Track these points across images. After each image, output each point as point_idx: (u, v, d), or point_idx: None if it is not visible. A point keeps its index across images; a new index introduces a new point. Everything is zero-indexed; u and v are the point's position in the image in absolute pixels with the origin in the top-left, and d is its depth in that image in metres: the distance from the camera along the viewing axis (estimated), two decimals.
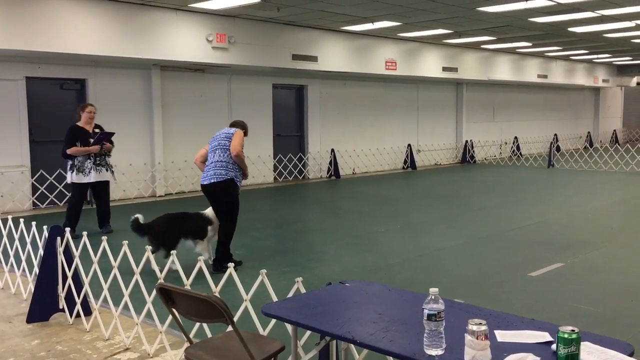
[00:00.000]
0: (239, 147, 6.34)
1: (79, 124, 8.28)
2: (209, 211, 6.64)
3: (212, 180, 6.36)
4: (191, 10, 11.41)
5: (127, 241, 4.49)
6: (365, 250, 7.53)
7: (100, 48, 10.36)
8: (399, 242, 7.99)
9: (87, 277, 4.83)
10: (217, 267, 6.32)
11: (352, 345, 3.26)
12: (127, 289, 4.45)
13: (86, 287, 4.84)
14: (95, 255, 4.69)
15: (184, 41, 11.47)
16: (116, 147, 11.96)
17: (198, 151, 6.74)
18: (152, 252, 4.43)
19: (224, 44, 12.04)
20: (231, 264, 4.01)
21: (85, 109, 8.35)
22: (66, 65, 11.16)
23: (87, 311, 4.87)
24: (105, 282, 4.61)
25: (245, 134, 6.64)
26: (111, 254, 4.57)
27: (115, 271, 4.52)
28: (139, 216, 6.49)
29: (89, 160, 8.25)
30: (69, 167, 8.28)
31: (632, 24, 13.55)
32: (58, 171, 11.11)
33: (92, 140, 8.23)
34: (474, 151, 20.19)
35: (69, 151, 8.15)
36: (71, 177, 8.27)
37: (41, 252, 5.05)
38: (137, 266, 4.37)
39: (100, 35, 10.33)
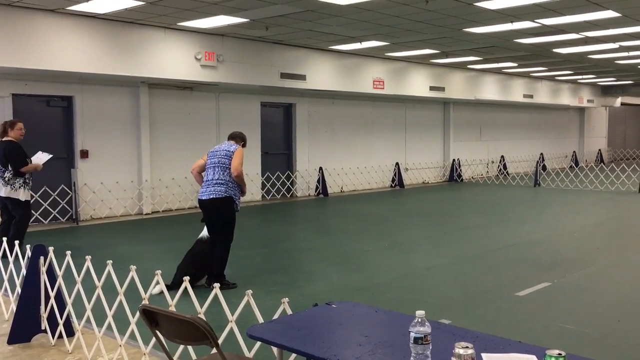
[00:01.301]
0: (240, 168, 6.36)
1: (14, 140, 8.05)
2: (205, 232, 6.61)
3: (212, 196, 6.36)
4: (180, 29, 11.45)
5: (111, 260, 4.44)
6: (353, 269, 7.50)
7: (87, 65, 10.33)
8: (386, 261, 7.97)
9: (70, 297, 4.75)
10: (219, 281, 6.21)
11: None
12: (110, 309, 4.38)
13: (69, 307, 4.76)
14: (79, 274, 4.62)
15: (172, 59, 11.48)
16: (104, 164, 12.00)
17: (196, 161, 6.78)
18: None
19: (213, 62, 12.07)
20: (217, 284, 3.97)
21: (14, 125, 8.08)
22: (53, 82, 11.11)
23: (70, 332, 4.79)
24: (89, 302, 4.54)
25: (244, 145, 6.68)
26: (95, 273, 4.51)
27: (98, 291, 4.45)
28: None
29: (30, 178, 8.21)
30: (19, 184, 7.94)
31: (615, 45, 13.78)
32: (44, 188, 11.01)
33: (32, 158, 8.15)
34: (461, 170, 20.31)
35: (24, 169, 7.96)
36: (25, 194, 8.02)
37: (24, 271, 4.97)
38: (121, 286, 4.31)
39: (88, 53, 10.31)
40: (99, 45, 10.45)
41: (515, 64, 17.57)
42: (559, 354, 2.05)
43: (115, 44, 10.64)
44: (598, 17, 10.49)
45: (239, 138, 6.71)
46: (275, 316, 3.50)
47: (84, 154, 11.64)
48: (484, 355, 2.38)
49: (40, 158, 8.33)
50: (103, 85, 11.82)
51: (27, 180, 8.06)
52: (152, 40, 11.17)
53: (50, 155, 8.41)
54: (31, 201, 8.40)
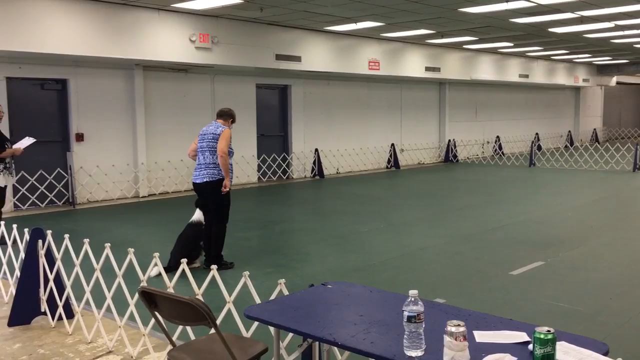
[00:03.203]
0: (225, 149, 6.40)
1: None
2: (196, 216, 6.67)
3: (205, 179, 6.46)
4: (174, 10, 11.36)
5: (109, 243, 4.48)
6: (349, 250, 7.57)
7: (81, 48, 10.27)
8: (382, 241, 8.04)
9: (69, 279, 4.81)
10: (217, 262, 6.29)
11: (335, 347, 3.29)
12: (109, 291, 4.44)
13: (68, 289, 4.81)
14: (77, 257, 4.67)
15: (166, 41, 11.41)
16: (99, 147, 11.99)
17: (190, 146, 6.83)
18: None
19: (207, 44, 12.00)
20: (214, 266, 4.02)
21: None
22: (47, 65, 11.05)
23: (70, 314, 4.85)
24: (88, 284, 4.60)
25: (234, 121, 6.72)
26: (93, 256, 4.55)
27: (97, 274, 4.50)
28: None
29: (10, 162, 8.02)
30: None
31: (611, 24, 13.75)
32: (39, 172, 11.01)
33: (9, 143, 7.97)
34: (456, 150, 20.34)
35: (1, 154, 7.72)
36: (2, 179, 7.83)
37: (22, 254, 5.01)
38: (120, 268, 4.36)
39: (81, 35, 10.25)
40: (93, 28, 10.38)
41: (511, 44, 17.52)
42: (548, 331, 2.11)
43: (109, 26, 10.57)
44: None
45: (227, 116, 6.68)
46: (272, 297, 3.56)
47: (80, 137, 11.63)
48: (475, 332, 2.45)
49: (22, 142, 8.17)
50: (97, 68, 11.76)
51: (7, 165, 7.86)
52: (146, 22, 11.10)
53: (34, 140, 8.23)
54: (7, 187, 8.06)
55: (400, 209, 10.82)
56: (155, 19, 11.21)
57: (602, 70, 26.41)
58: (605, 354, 2.26)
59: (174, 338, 3.74)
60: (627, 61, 24.38)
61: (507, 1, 10.75)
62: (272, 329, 2.95)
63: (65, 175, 11.41)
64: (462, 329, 2.14)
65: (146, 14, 11.06)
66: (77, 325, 4.70)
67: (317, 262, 6.99)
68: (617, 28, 14.37)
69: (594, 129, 28.76)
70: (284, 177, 15.54)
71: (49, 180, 11.16)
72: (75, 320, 4.74)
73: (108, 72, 11.97)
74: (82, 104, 11.68)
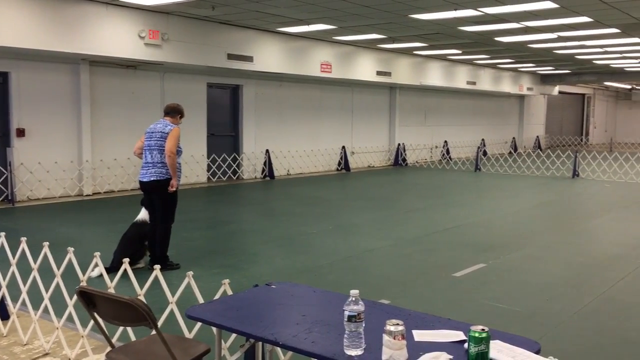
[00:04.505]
0: (173, 149, 6.32)
1: None
2: (141, 215, 6.56)
3: (152, 178, 6.35)
4: (123, 5, 11.12)
5: (47, 242, 4.35)
6: (297, 251, 7.58)
7: (24, 40, 9.91)
8: (330, 243, 8.09)
9: (4, 279, 4.63)
10: (162, 263, 6.22)
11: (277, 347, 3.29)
12: (47, 292, 4.30)
13: (3, 289, 4.64)
14: (14, 256, 4.51)
15: (114, 36, 11.15)
16: (42, 143, 11.60)
17: (136, 143, 6.69)
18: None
19: (157, 41, 11.80)
20: (157, 266, 3.96)
21: None
22: None
23: (5, 315, 4.68)
24: (24, 284, 4.44)
25: (182, 116, 6.63)
26: (31, 256, 4.40)
27: (35, 273, 4.36)
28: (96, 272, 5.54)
29: None
30: None
31: (554, 35, 14.27)
32: None
33: None
34: (405, 154, 20.67)
35: None
36: None
37: None
38: (59, 268, 4.23)
39: (24, 27, 9.89)
40: (36, 20, 10.03)
41: (459, 51, 17.95)
42: (482, 330, 2.18)
43: (54, 18, 10.25)
44: (537, 8, 10.83)
45: (174, 112, 6.56)
46: (216, 297, 3.53)
47: (21, 133, 11.22)
48: (414, 332, 2.50)
49: None
50: (41, 62, 11.38)
51: None
52: (93, 15, 10.80)
53: None
54: None
55: (349, 211, 10.91)
56: (102, 13, 10.93)
57: (546, 79, 27.37)
58: (537, 352, 2.34)
59: (114, 340, 3.66)
60: (569, 71, 25.35)
61: (455, 9, 11.01)
62: (214, 329, 2.93)
63: (5, 171, 10.99)
64: (400, 327, 2.18)
65: (93, 8, 10.78)
66: (13, 327, 4.54)
67: (265, 263, 6.97)
68: (560, 39, 14.92)
69: (537, 136, 29.75)
70: (234, 178, 15.43)
71: None
72: (11, 321, 4.57)
73: (52, 66, 11.60)
74: (24, 98, 11.28)
